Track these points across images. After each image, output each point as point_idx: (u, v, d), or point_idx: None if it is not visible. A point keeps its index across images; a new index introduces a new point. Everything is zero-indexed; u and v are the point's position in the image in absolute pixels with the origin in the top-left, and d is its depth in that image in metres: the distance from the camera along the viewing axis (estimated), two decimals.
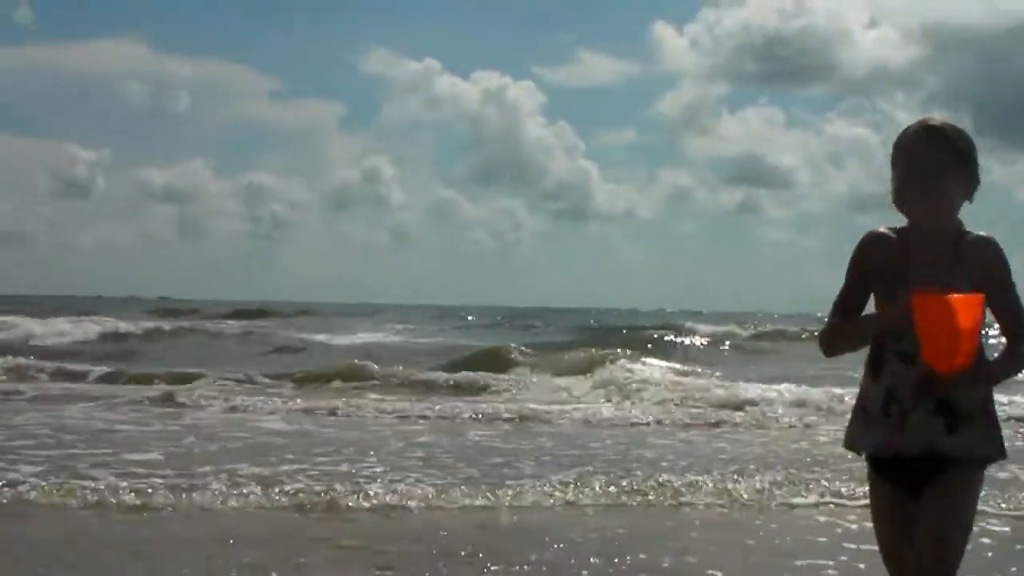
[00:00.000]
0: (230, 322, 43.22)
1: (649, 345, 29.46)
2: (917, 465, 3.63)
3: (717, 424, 14.43)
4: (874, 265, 3.71)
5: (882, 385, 3.69)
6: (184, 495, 8.52)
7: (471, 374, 20.26)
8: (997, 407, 3.74)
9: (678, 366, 22.63)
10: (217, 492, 8.66)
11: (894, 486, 3.70)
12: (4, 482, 8.79)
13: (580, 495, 8.93)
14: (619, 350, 23.93)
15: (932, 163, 3.61)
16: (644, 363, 21.95)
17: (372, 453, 11.05)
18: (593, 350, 23.79)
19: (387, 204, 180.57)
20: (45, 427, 12.39)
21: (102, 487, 8.66)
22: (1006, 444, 3.74)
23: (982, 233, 3.68)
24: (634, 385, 18.61)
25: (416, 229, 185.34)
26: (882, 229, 3.74)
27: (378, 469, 10.00)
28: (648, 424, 14.38)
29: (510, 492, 8.91)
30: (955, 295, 3.39)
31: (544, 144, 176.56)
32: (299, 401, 16.16)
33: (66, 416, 13.66)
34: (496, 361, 22.78)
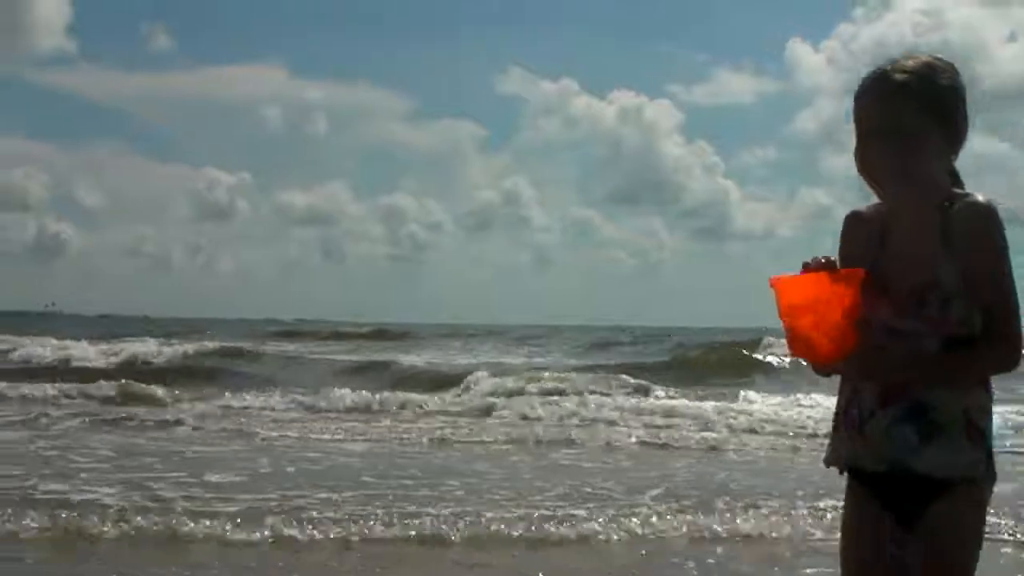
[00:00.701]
0: (360, 343, 44.80)
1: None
2: (897, 485, 3.02)
3: None
4: (853, 253, 3.09)
5: (848, 384, 3.13)
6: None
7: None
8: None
9: None
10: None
11: (882, 509, 3.07)
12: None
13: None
14: None
15: (896, 119, 2.92)
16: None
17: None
18: None
19: (526, 224, 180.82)
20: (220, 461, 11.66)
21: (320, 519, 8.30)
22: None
23: (975, 198, 2.95)
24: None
25: (555, 249, 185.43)
26: (864, 208, 3.13)
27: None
28: None
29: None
30: (785, 276, 2.90)
31: (682, 163, 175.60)
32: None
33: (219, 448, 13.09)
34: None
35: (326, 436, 14.12)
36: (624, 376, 22.49)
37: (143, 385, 19.39)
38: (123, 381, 19.56)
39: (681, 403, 18.31)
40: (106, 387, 19.05)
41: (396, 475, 10.80)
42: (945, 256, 2.94)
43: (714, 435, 14.98)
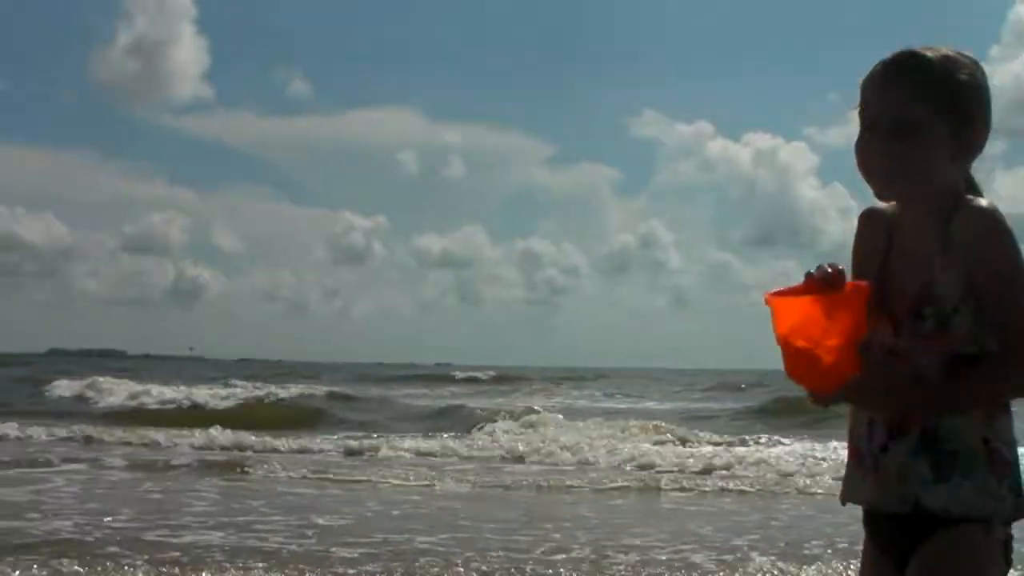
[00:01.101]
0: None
1: None
2: (908, 527, 2.64)
3: None
4: (866, 254, 2.78)
5: (865, 417, 2.72)
6: None
7: None
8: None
9: None
10: None
11: (882, 553, 2.74)
12: None
13: None
14: None
15: (901, 111, 2.59)
16: None
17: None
18: None
19: (663, 267, 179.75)
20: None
21: None
22: None
23: (979, 203, 2.59)
24: None
25: (692, 292, 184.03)
26: (882, 205, 2.77)
27: None
28: None
29: None
30: (782, 292, 2.59)
31: (818, 205, 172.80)
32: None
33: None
34: None
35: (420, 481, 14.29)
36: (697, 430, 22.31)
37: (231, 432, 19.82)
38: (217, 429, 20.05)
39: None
40: (208, 433, 19.63)
41: (502, 518, 11.03)
42: (945, 265, 2.59)
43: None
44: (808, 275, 2.56)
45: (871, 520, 2.76)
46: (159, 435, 19.53)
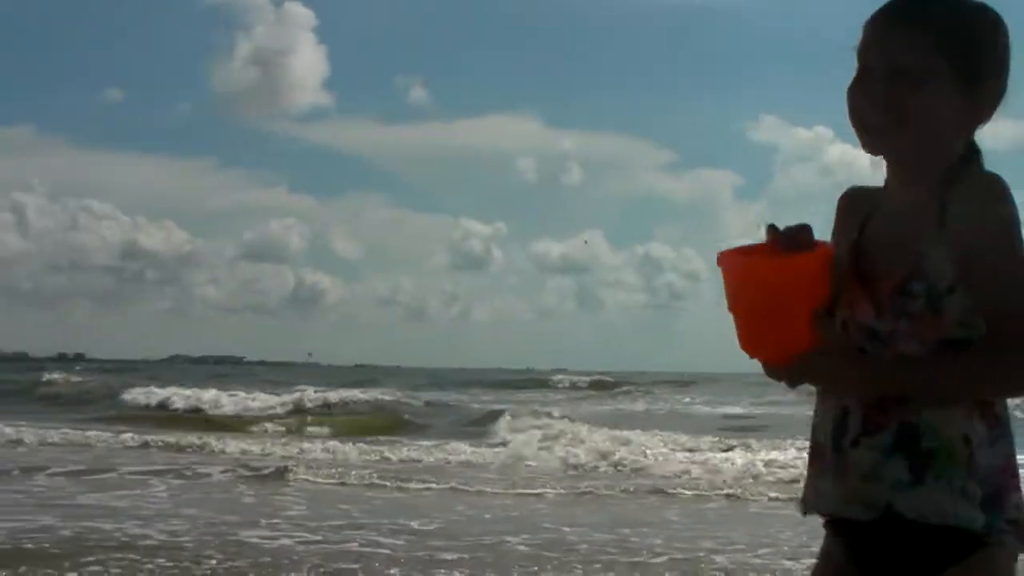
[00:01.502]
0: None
1: None
2: (876, 535, 2.30)
3: None
4: (847, 236, 2.47)
5: (834, 407, 2.37)
6: None
7: None
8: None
9: None
10: None
11: (846, 562, 2.38)
12: None
13: None
14: None
15: (905, 56, 2.27)
16: None
17: None
18: None
19: None
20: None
21: None
22: None
23: (984, 173, 2.29)
24: None
25: None
26: (867, 186, 2.52)
27: None
28: None
29: None
30: (736, 249, 2.31)
31: None
32: None
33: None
34: None
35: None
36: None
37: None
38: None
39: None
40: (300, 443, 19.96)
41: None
42: (938, 239, 2.25)
43: None
44: (771, 228, 2.29)
45: (834, 527, 2.40)
46: (251, 442, 19.90)
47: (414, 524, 10.83)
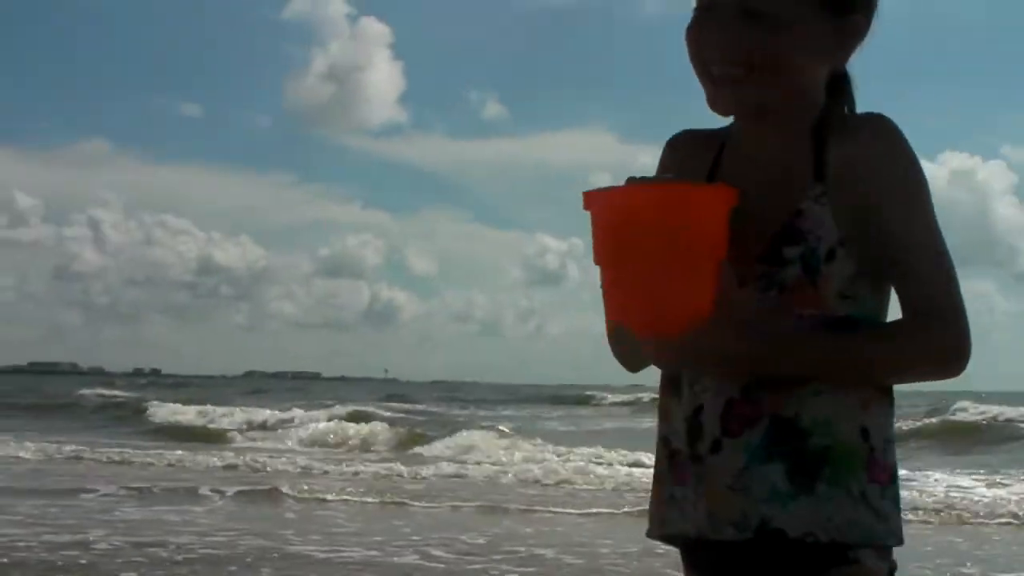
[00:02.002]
0: None
1: None
2: (756, 563, 1.85)
3: None
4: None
5: (686, 404, 1.90)
6: None
7: None
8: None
9: None
10: None
11: None
12: None
13: None
14: None
15: None
16: None
17: None
18: None
19: None
20: None
21: None
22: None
23: (870, 114, 1.91)
24: None
25: (888, 315, 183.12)
26: (703, 128, 2.06)
27: None
28: None
29: None
30: (611, 189, 1.77)
31: (1016, 224, 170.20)
32: None
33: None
34: None
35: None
36: None
37: None
38: None
39: None
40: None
41: None
42: (818, 195, 1.85)
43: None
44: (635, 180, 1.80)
45: (690, 551, 1.94)
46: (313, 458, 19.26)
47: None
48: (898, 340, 1.83)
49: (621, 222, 1.73)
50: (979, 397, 35.63)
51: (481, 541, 9.88)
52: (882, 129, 1.85)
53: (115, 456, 18.70)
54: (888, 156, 1.83)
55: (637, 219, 1.71)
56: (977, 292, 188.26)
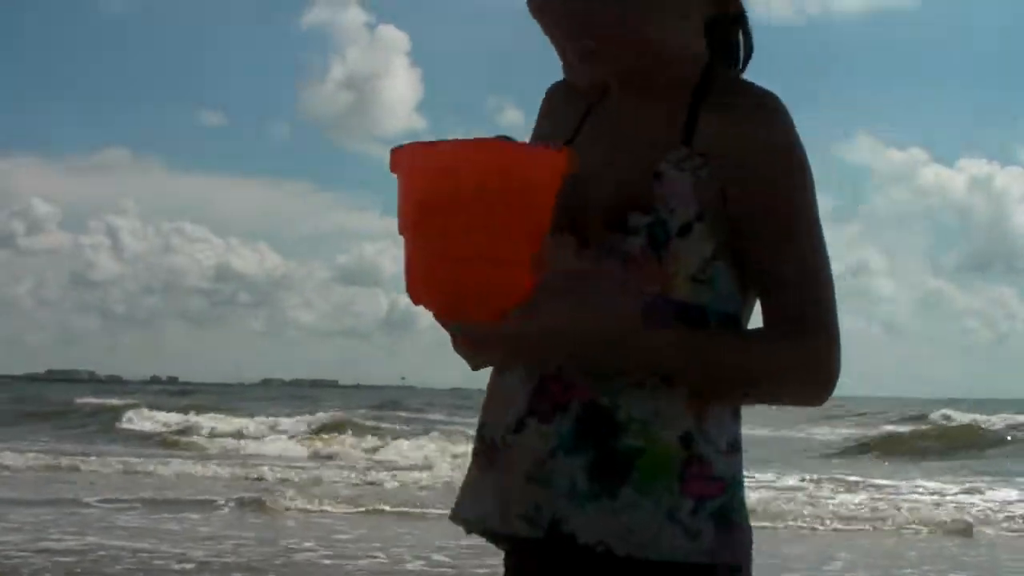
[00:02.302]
0: None
1: None
2: (550, 565, 1.67)
3: None
4: (555, 138, 1.83)
5: (512, 378, 1.71)
6: None
7: None
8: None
9: None
10: None
11: None
12: None
13: None
14: None
15: None
16: None
17: None
18: None
19: (876, 295, 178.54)
20: None
21: None
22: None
23: (751, 85, 1.72)
24: None
25: (906, 320, 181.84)
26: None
27: None
28: None
29: None
30: (424, 144, 1.57)
31: None
32: None
33: None
34: None
35: None
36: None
37: None
38: None
39: None
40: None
41: None
42: (682, 159, 1.64)
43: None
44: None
45: (497, 543, 1.74)
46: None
47: None
48: (755, 350, 1.64)
49: (430, 184, 1.51)
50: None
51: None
52: (766, 105, 1.66)
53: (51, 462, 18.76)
54: (768, 138, 1.63)
55: (449, 181, 1.49)
56: (996, 299, 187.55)
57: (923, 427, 30.01)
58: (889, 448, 24.82)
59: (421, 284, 1.56)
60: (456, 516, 1.76)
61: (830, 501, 14.49)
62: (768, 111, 1.65)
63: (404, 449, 22.55)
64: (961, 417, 30.95)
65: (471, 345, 1.66)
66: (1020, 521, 12.84)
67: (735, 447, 1.67)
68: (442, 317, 1.59)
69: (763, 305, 1.66)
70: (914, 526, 12.52)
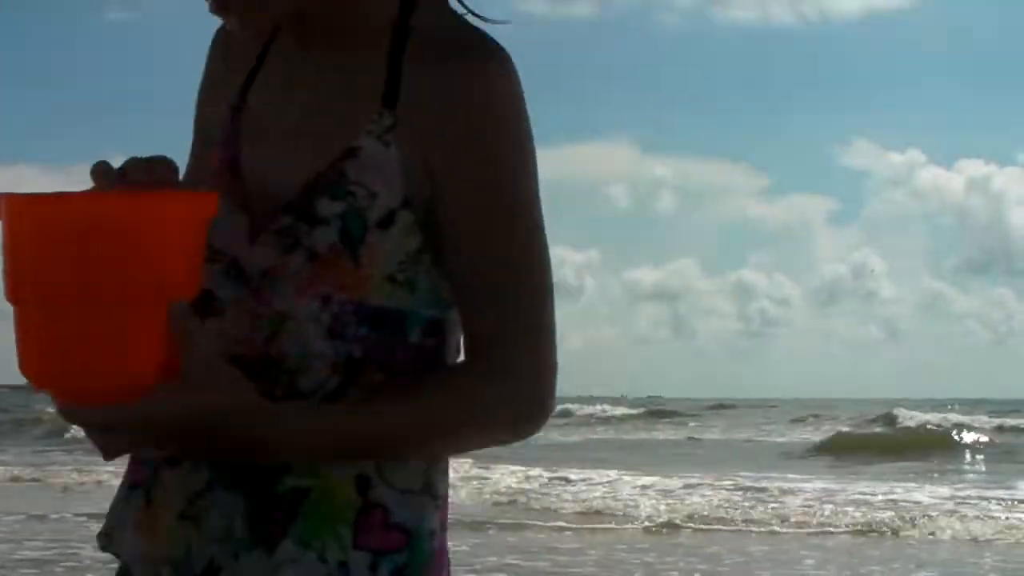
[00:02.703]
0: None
1: None
2: None
3: None
4: (218, 96, 1.50)
5: None
6: None
7: None
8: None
9: None
10: None
11: None
12: None
13: None
14: None
15: None
16: None
17: None
18: None
19: (876, 298, 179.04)
20: None
21: None
22: None
23: (468, 38, 1.38)
24: None
25: (906, 322, 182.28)
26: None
27: None
28: None
29: None
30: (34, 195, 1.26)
31: None
32: None
33: None
34: None
35: None
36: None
37: None
38: None
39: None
40: None
41: None
42: (385, 129, 1.33)
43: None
44: (100, 164, 1.26)
45: None
46: None
47: None
48: (423, 406, 1.33)
49: (51, 242, 1.23)
50: None
51: None
52: (485, 61, 1.34)
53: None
54: (483, 102, 1.31)
55: (60, 238, 1.23)
56: (994, 300, 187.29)
57: (877, 429, 30.51)
58: (840, 451, 25.03)
59: (41, 363, 1.27)
60: (105, 543, 1.44)
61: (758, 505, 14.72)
62: (485, 67, 1.33)
63: None
64: (914, 419, 31.24)
65: (102, 428, 1.29)
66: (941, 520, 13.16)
67: (429, 491, 1.36)
68: (68, 399, 1.28)
69: (465, 329, 1.35)
70: (829, 528, 12.91)
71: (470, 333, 1.35)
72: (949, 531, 12.52)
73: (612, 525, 13.38)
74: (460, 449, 1.44)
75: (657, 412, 53.65)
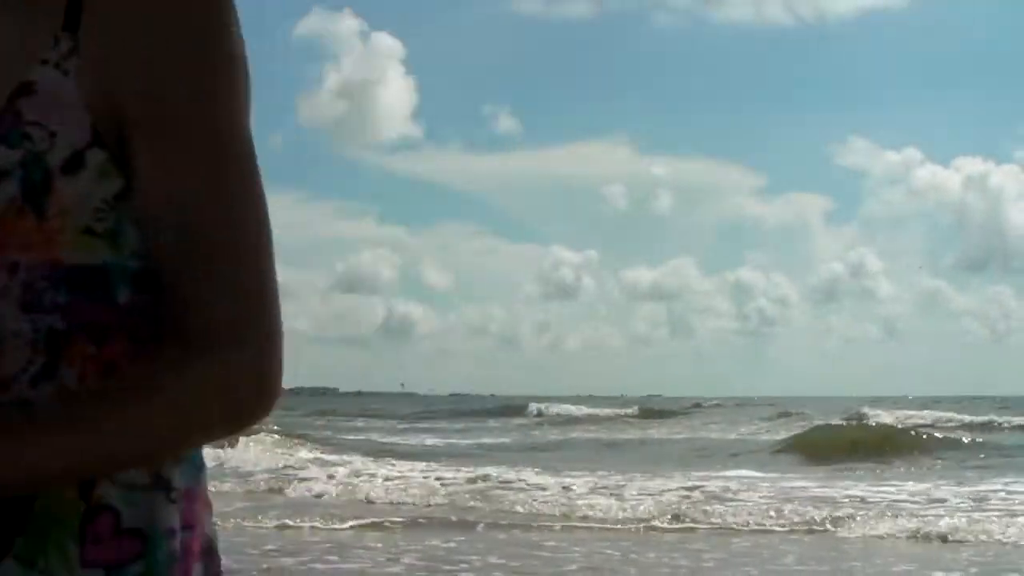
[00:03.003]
0: None
1: None
2: None
3: None
4: None
5: None
6: None
7: None
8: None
9: None
10: None
11: None
12: None
13: None
14: None
15: None
16: None
17: None
18: None
19: (873, 296, 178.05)
20: None
21: None
22: None
23: None
24: None
25: (904, 321, 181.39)
26: None
27: None
28: None
29: None
30: None
31: None
32: None
33: None
34: None
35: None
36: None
37: None
38: None
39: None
40: None
41: None
42: (64, 56, 1.11)
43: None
44: None
45: None
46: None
47: None
48: (114, 415, 1.09)
49: None
50: None
51: None
52: None
53: None
54: (181, 9, 1.11)
55: None
56: (993, 298, 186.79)
57: (847, 428, 30.76)
58: (807, 449, 25.47)
59: None
60: None
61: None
62: None
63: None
64: (884, 418, 31.89)
65: None
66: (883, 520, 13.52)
67: (160, 484, 1.14)
68: None
69: (169, 302, 1.13)
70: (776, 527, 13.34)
71: (173, 306, 1.12)
72: (882, 529, 12.91)
73: (594, 525, 13.79)
74: (179, 452, 1.16)
75: (649, 411, 54.00)
